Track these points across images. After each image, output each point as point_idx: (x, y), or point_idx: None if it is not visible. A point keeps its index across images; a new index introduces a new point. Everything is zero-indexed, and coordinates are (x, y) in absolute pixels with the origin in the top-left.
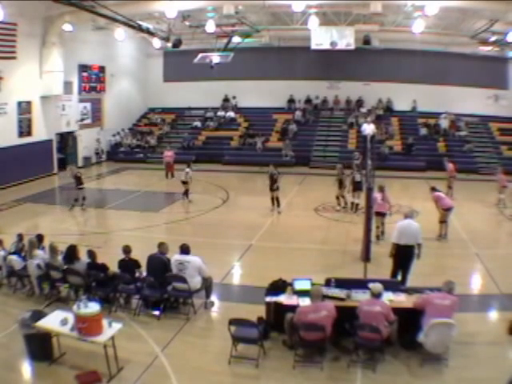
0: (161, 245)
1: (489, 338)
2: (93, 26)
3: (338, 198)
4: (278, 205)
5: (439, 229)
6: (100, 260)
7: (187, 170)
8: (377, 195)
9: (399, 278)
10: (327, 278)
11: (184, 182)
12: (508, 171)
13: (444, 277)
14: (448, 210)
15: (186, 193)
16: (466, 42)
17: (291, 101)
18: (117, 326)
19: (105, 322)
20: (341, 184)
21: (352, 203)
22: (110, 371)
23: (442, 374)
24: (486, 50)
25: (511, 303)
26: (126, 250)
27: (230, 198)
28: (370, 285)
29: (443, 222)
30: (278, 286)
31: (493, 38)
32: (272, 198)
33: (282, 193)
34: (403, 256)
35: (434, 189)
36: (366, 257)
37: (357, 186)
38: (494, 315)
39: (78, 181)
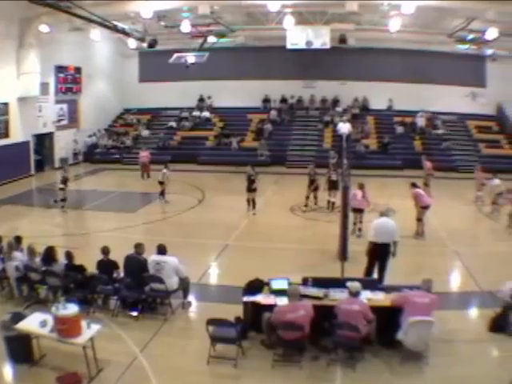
0: (137, 245)
1: (469, 335)
2: (69, 27)
3: (307, 197)
4: (254, 206)
5: (416, 226)
6: (78, 261)
7: (164, 170)
8: (357, 192)
9: (375, 276)
10: (304, 278)
11: (161, 183)
12: (486, 169)
13: (423, 275)
14: (426, 207)
15: (163, 193)
16: (443, 41)
17: (266, 100)
18: (95, 327)
19: (84, 324)
20: (311, 184)
21: (328, 202)
22: (89, 372)
23: (423, 372)
24: (463, 48)
25: (491, 300)
26: (105, 250)
27: (205, 198)
28: (348, 283)
29: (420, 219)
30: (255, 286)
31: (470, 37)
32: (248, 200)
33: (258, 192)
34: (380, 254)
35: (414, 185)
36: (343, 255)
37: (332, 185)
38: (474, 312)
39: (65, 182)
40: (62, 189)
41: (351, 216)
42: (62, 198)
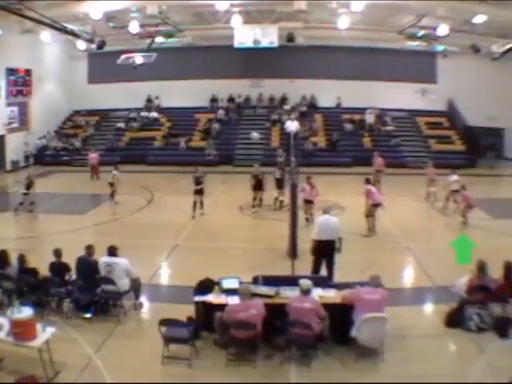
0: (88, 247)
1: (425, 331)
2: (20, 30)
3: (254, 199)
4: (202, 206)
5: (366, 223)
6: (30, 264)
7: (114, 171)
8: (305, 186)
9: (323, 274)
10: (255, 276)
11: (111, 184)
12: (437, 165)
13: (375, 272)
14: (376, 205)
15: (113, 194)
16: (393, 38)
17: (214, 100)
18: (50, 329)
19: (39, 327)
20: (258, 184)
21: (275, 200)
22: (47, 375)
23: (379, 369)
24: (413, 44)
25: (446, 295)
26: (57, 253)
27: (154, 199)
28: (300, 281)
29: (369, 216)
30: (206, 286)
31: (421, 33)
32: (195, 202)
33: (205, 193)
34: (325, 251)
35: (367, 180)
36: (293, 253)
37: (278, 184)
38: (429, 308)
39: (30, 186)
40: (25, 194)
41: (303, 207)
42: (30, 202)
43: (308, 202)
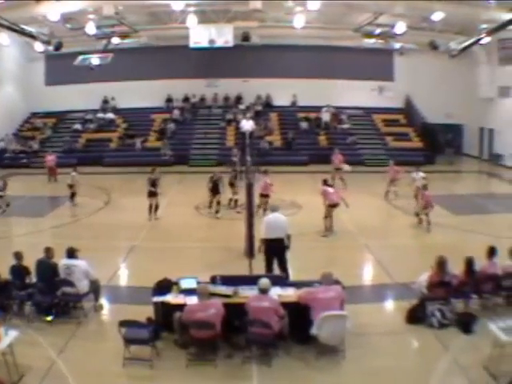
0: (47, 250)
1: (386, 327)
2: None
3: (211, 202)
4: (156, 211)
5: (324, 223)
6: None
7: (73, 173)
8: (264, 178)
9: (276, 273)
10: (212, 276)
11: (70, 186)
12: (396, 163)
13: (334, 269)
14: (333, 206)
15: (73, 196)
16: (349, 36)
17: (169, 100)
18: (13, 333)
19: (1, 330)
20: (215, 188)
21: (230, 199)
22: (11, 379)
23: (340, 366)
24: (370, 42)
25: (406, 292)
26: (18, 256)
27: (111, 200)
28: (258, 280)
29: (327, 216)
30: (164, 286)
31: (378, 31)
32: (150, 205)
33: (161, 193)
34: (275, 250)
35: (325, 182)
36: (250, 253)
37: (232, 183)
38: (389, 305)
39: (4, 187)
40: (1, 196)
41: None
42: (7, 204)
43: (263, 196)
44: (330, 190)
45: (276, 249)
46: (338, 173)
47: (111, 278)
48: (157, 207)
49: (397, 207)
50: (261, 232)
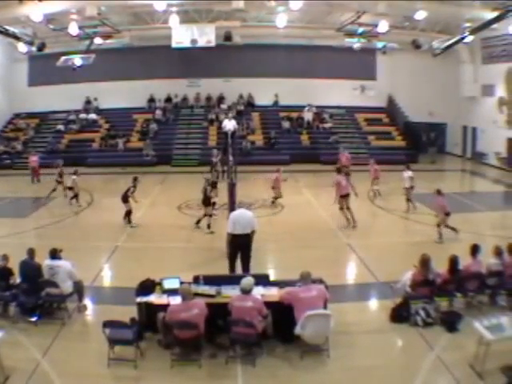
0: (30, 251)
1: (370, 326)
2: None
3: (210, 215)
4: (129, 220)
5: (343, 216)
6: None
7: (73, 177)
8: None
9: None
10: (195, 276)
11: (70, 188)
12: (378, 161)
13: (317, 269)
14: (344, 196)
15: (75, 197)
16: (331, 35)
17: (151, 100)
18: None
19: None
20: (207, 200)
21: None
22: None
23: (325, 365)
24: (352, 41)
25: (389, 291)
26: (5, 257)
27: (94, 201)
28: (241, 280)
29: (342, 208)
30: (147, 286)
31: (360, 30)
32: (126, 212)
33: (143, 193)
34: (241, 245)
35: (339, 171)
36: None
37: (213, 184)
38: (373, 304)
39: None
40: None
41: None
42: None
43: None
44: (343, 180)
45: (241, 244)
46: (346, 171)
47: (95, 279)
48: (128, 215)
49: (379, 206)
50: (227, 227)
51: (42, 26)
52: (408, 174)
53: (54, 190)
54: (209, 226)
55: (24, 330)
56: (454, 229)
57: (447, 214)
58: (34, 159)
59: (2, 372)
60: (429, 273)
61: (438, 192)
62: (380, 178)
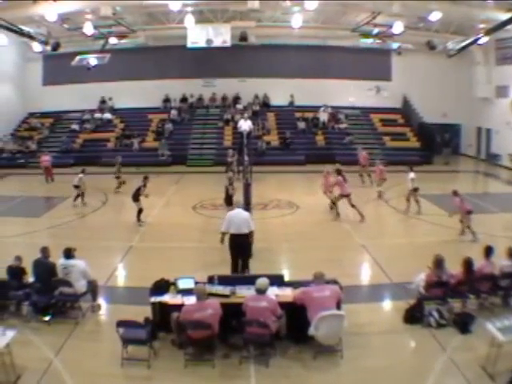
0: (43, 249)
1: (383, 327)
2: None
3: None
4: (138, 218)
5: (356, 212)
6: None
7: (80, 175)
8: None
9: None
10: (210, 276)
11: (76, 187)
12: (392, 161)
13: (331, 269)
14: (346, 196)
15: (80, 196)
16: (346, 35)
17: (167, 100)
18: (10, 333)
19: None
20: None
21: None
22: (8, 379)
23: (338, 365)
24: (367, 42)
25: (403, 292)
26: (18, 258)
27: (108, 200)
28: (256, 280)
29: (353, 206)
30: (162, 286)
31: (375, 31)
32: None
33: (158, 193)
34: (238, 245)
35: (339, 172)
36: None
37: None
38: (387, 305)
39: None
40: None
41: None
42: None
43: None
44: (342, 181)
45: (239, 244)
46: (364, 170)
47: (109, 279)
48: (138, 214)
49: (392, 207)
50: (222, 226)
51: (56, 25)
52: (410, 175)
53: (122, 183)
54: None
55: (36, 329)
56: (473, 233)
57: (469, 213)
58: (45, 159)
59: (14, 371)
60: (442, 273)
61: (455, 193)
62: (386, 179)
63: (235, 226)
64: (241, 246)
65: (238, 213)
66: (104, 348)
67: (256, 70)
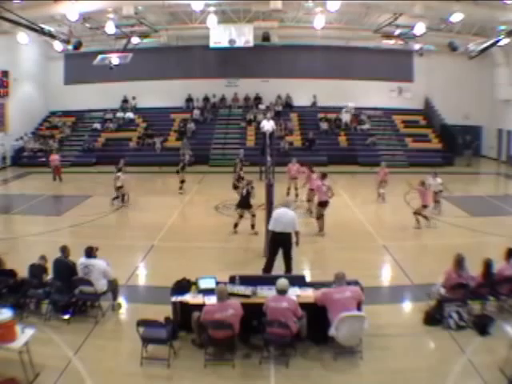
0: (64, 248)
1: (404, 329)
2: None
3: (241, 216)
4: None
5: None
6: (8, 266)
7: (118, 174)
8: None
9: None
10: (231, 276)
11: (119, 187)
12: (412, 163)
13: (354, 270)
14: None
15: (123, 197)
16: (369, 36)
17: (189, 100)
18: (30, 331)
19: (18, 328)
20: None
21: None
22: (27, 377)
23: (357, 367)
24: (390, 43)
25: (423, 293)
26: (43, 257)
27: (130, 199)
28: (277, 281)
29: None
30: (183, 286)
31: (397, 32)
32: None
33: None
34: (280, 243)
35: (323, 176)
36: None
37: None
38: (407, 306)
39: None
40: None
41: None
42: None
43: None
44: (324, 186)
45: (281, 242)
46: (381, 186)
47: (130, 278)
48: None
49: (414, 209)
50: (269, 224)
51: (78, 24)
52: (437, 180)
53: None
54: (253, 227)
55: (56, 327)
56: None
57: (425, 207)
58: (54, 158)
59: (32, 369)
60: (463, 272)
61: (422, 183)
62: (388, 181)
63: (281, 226)
64: (283, 244)
65: (285, 212)
66: (124, 347)
67: (279, 70)
